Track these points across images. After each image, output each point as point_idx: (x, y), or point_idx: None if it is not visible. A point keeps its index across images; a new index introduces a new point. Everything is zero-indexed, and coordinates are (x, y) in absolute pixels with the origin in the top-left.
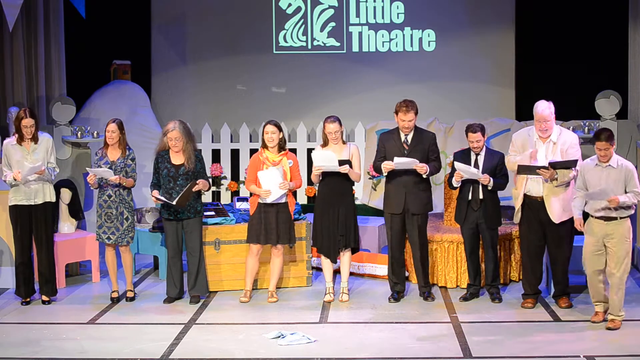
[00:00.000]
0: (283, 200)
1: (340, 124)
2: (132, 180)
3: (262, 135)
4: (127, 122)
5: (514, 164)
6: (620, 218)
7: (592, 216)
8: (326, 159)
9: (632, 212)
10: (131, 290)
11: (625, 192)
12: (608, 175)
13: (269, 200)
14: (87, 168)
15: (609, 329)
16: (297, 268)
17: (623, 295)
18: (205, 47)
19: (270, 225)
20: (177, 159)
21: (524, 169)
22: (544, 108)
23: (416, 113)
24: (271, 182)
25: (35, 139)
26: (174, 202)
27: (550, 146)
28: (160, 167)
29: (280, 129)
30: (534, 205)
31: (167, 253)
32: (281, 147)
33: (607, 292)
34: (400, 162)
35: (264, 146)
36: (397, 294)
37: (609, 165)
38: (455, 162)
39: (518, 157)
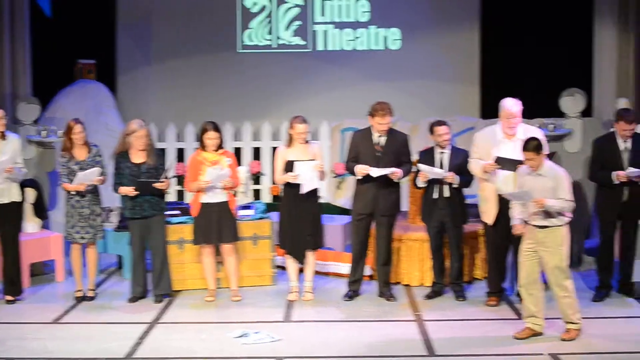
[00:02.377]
0: (225, 199)
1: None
2: (105, 176)
3: (202, 136)
4: (93, 122)
5: (479, 169)
6: (554, 226)
7: (527, 222)
8: (307, 175)
9: (567, 220)
10: (92, 290)
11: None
12: (538, 183)
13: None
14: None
15: (563, 340)
16: (261, 267)
17: (573, 302)
18: (170, 47)
19: (212, 224)
20: (137, 157)
21: (503, 161)
22: (512, 105)
23: (392, 115)
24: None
25: (3, 136)
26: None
27: (518, 144)
28: (122, 167)
29: (220, 131)
30: (502, 204)
31: (131, 252)
32: (219, 146)
33: (538, 306)
34: (379, 172)
35: (202, 147)
36: (353, 292)
37: (539, 174)
38: (419, 164)
39: (482, 163)
